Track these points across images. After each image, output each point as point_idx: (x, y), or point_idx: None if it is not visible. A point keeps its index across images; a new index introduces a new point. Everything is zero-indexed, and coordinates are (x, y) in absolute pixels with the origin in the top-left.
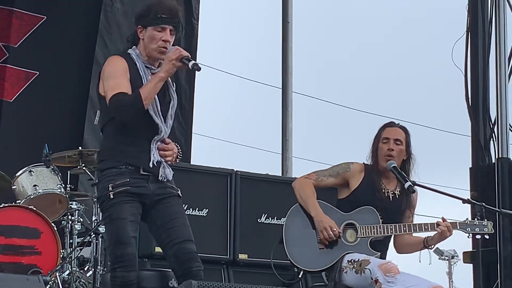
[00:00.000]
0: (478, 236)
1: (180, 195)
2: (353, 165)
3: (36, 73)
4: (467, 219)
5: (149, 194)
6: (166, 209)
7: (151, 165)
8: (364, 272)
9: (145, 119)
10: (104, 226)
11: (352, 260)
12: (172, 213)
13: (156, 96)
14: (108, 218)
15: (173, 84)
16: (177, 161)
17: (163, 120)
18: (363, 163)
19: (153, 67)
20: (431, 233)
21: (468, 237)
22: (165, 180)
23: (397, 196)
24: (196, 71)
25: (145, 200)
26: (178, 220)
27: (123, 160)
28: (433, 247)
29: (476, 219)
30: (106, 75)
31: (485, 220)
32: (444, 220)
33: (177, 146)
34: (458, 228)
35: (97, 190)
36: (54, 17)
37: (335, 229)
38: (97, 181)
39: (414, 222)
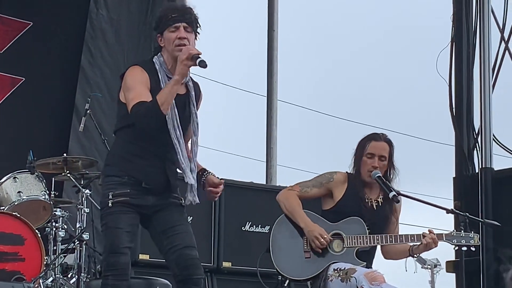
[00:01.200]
0: (464, 248)
1: (184, 204)
2: (336, 175)
3: (22, 79)
4: (453, 230)
5: (149, 206)
6: (167, 216)
7: (158, 184)
8: (349, 281)
9: (161, 133)
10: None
11: (338, 269)
12: (174, 220)
13: (175, 110)
14: (105, 226)
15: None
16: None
17: (180, 135)
18: (346, 172)
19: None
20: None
21: (454, 248)
22: (189, 203)
23: (380, 204)
24: (203, 69)
25: (144, 211)
26: (180, 227)
27: (127, 172)
28: (418, 255)
29: (461, 230)
30: (127, 86)
31: (472, 232)
32: (430, 232)
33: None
34: (444, 239)
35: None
36: (40, 23)
37: (325, 236)
38: (100, 183)
39: (400, 232)
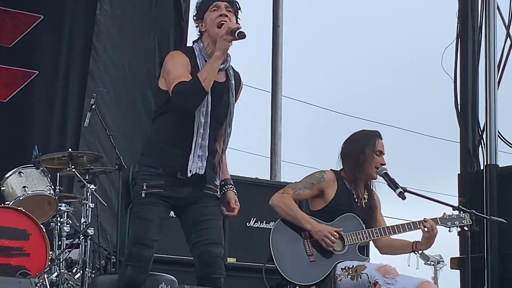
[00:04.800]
0: (458, 229)
1: (219, 196)
2: (326, 174)
3: (35, 72)
4: (444, 213)
5: (183, 198)
6: (200, 208)
7: (189, 174)
8: (360, 277)
9: (187, 118)
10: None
11: (346, 267)
12: (205, 214)
13: (209, 97)
14: (135, 214)
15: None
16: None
17: (205, 122)
18: (331, 170)
19: None
20: (419, 238)
21: (449, 231)
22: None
23: (367, 201)
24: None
25: (178, 203)
26: (209, 221)
27: (162, 162)
28: (421, 252)
29: (452, 212)
30: (167, 71)
31: (461, 212)
32: (426, 220)
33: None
34: (440, 223)
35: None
36: (51, 16)
37: (335, 233)
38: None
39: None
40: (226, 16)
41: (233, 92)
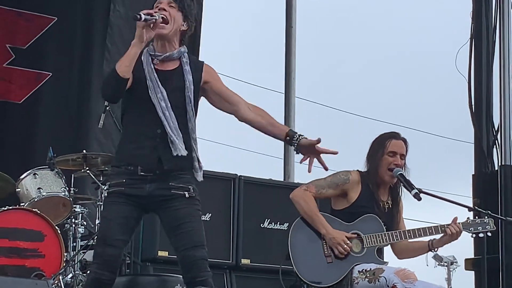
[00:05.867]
0: (481, 235)
1: (189, 195)
2: (351, 175)
3: (49, 74)
4: (468, 218)
5: (146, 196)
6: (172, 213)
7: (150, 165)
8: (378, 281)
9: (147, 111)
10: None
11: (364, 270)
12: (178, 218)
13: (158, 84)
14: (101, 215)
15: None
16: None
17: (166, 106)
18: (358, 170)
19: (158, 53)
20: (436, 236)
21: (472, 236)
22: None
23: (390, 206)
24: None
25: (142, 201)
26: (185, 225)
27: (122, 160)
28: (437, 249)
29: (476, 217)
30: None
31: (486, 217)
32: (455, 223)
33: None
34: (463, 229)
35: None
36: (64, 18)
37: (348, 243)
38: None
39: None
40: (164, 10)
41: (190, 76)
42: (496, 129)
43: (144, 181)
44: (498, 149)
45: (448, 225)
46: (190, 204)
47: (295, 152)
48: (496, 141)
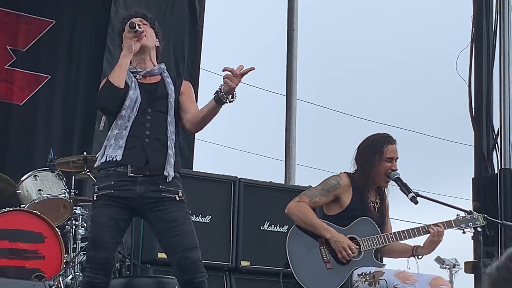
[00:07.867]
0: (469, 230)
1: (179, 198)
2: (341, 179)
3: (48, 77)
4: (458, 215)
5: (135, 198)
6: (164, 215)
7: (138, 163)
8: (378, 283)
9: (137, 116)
10: None
11: (363, 274)
12: (171, 220)
13: (139, 94)
14: (91, 219)
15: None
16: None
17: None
18: (346, 173)
19: (138, 69)
20: (421, 242)
21: (463, 232)
22: (168, 180)
23: (379, 205)
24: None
25: (132, 204)
26: (178, 227)
27: (111, 163)
28: (421, 257)
29: (465, 213)
30: None
31: (475, 213)
32: (437, 224)
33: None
34: (454, 226)
35: None
36: (64, 21)
37: (353, 248)
38: None
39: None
40: (135, 23)
41: (171, 86)
42: (496, 132)
43: (134, 183)
44: (498, 153)
45: (431, 225)
46: (180, 207)
47: (223, 97)
48: (496, 145)
